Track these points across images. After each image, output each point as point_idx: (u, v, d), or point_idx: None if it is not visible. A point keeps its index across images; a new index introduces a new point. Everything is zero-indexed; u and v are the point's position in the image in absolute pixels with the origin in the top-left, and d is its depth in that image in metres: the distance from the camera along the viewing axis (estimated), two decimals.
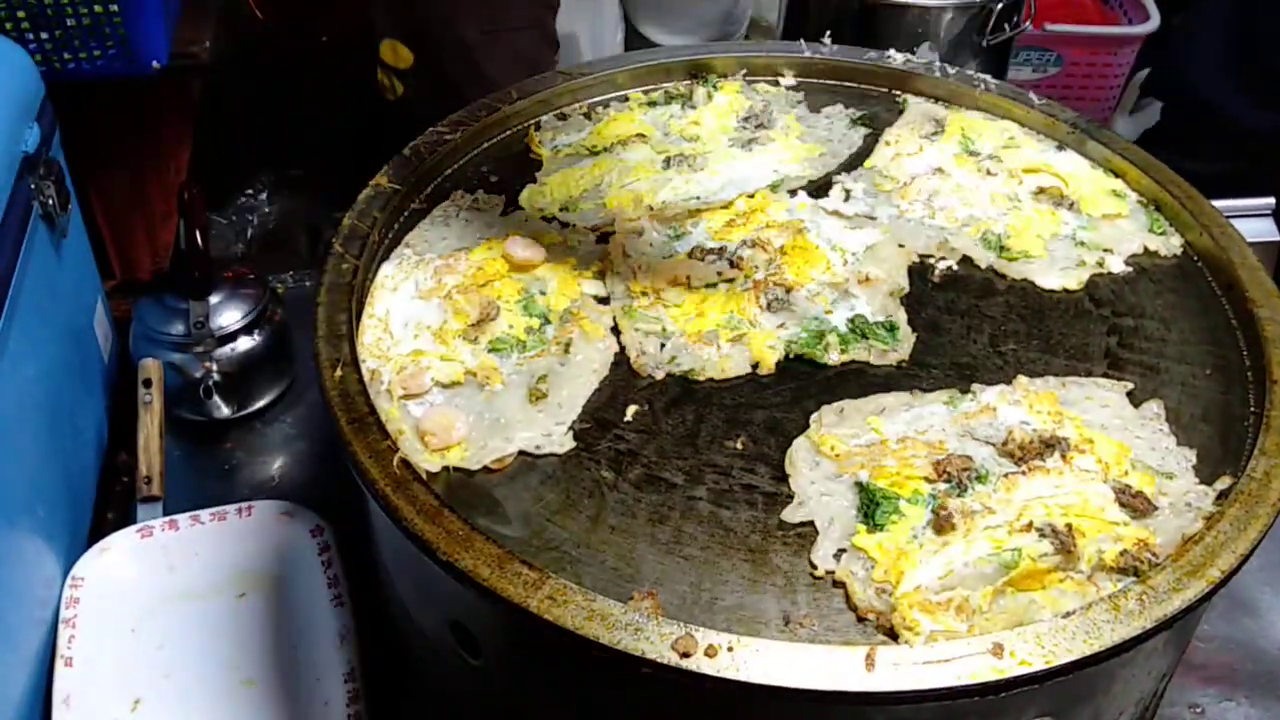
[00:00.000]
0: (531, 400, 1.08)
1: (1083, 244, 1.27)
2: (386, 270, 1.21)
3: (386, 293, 1.18)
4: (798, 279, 1.21)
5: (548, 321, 1.16)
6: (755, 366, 1.13)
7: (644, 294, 1.20)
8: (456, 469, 1.02)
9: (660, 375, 1.12)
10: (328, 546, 1.32)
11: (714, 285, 1.21)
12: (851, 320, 1.17)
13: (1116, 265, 1.26)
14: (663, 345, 1.15)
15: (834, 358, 1.13)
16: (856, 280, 1.21)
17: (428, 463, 1.01)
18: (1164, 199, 1.32)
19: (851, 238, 1.27)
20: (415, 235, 1.27)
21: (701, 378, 1.12)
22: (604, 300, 1.20)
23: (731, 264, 1.23)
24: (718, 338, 1.15)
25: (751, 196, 1.32)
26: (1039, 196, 1.33)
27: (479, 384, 1.10)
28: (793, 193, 1.34)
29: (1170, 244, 1.28)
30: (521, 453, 1.05)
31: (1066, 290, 1.23)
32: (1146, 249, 1.28)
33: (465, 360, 1.11)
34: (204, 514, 1.36)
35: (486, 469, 1.03)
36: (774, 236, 1.25)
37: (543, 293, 1.19)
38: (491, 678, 1.02)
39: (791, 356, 1.14)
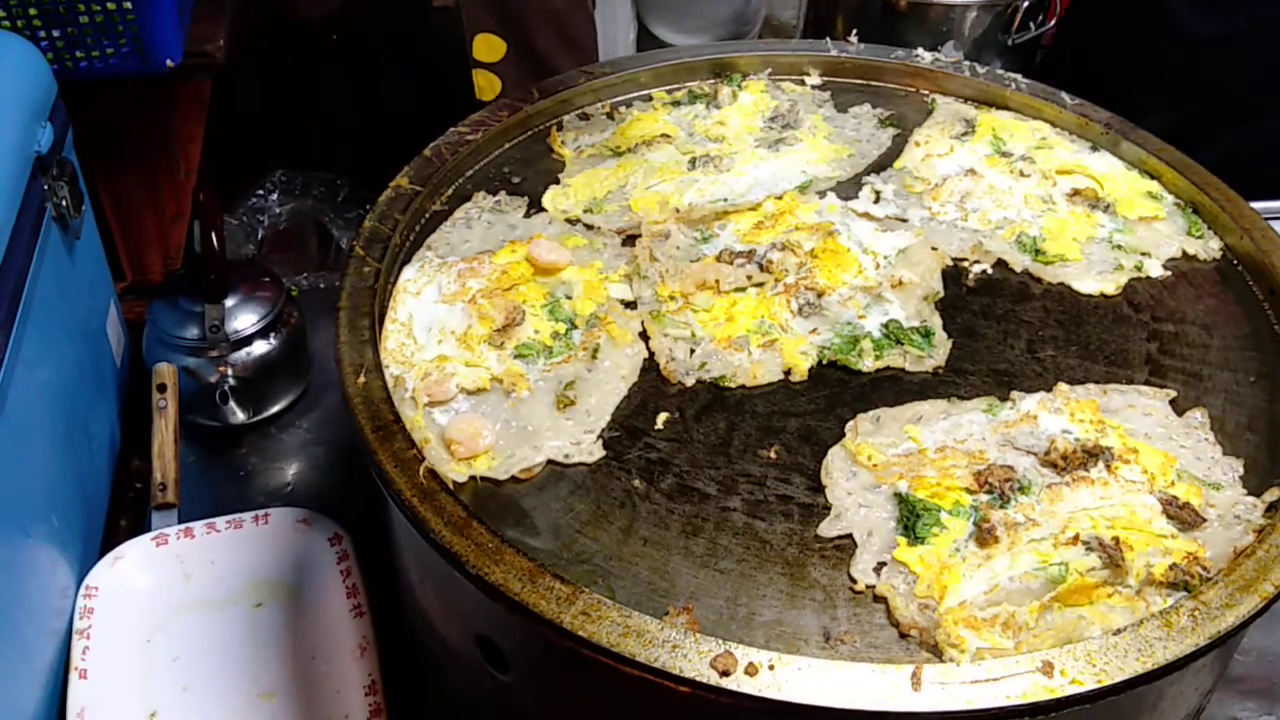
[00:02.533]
0: (559, 407, 1.06)
1: (1120, 247, 1.25)
2: (408, 274, 1.18)
3: (409, 297, 1.15)
4: (829, 283, 1.18)
5: (574, 326, 1.13)
6: (788, 373, 1.10)
7: (672, 298, 1.17)
8: (484, 479, 1.00)
9: (690, 382, 1.09)
10: (346, 555, 1.30)
11: (743, 289, 1.18)
12: (885, 325, 1.14)
13: (1155, 269, 1.23)
14: (692, 351, 1.12)
15: (868, 364, 1.11)
16: (889, 284, 1.18)
17: (454, 472, 0.99)
18: (1202, 201, 1.29)
19: (883, 240, 1.24)
20: (437, 237, 1.24)
21: (733, 384, 1.09)
22: (631, 305, 1.17)
23: (761, 267, 1.20)
24: (749, 343, 1.12)
25: (780, 198, 1.29)
26: (1074, 198, 1.30)
27: (505, 390, 1.07)
28: (821, 194, 1.31)
29: (1209, 247, 1.26)
30: (550, 462, 1.02)
31: (1104, 295, 1.20)
32: (1185, 253, 1.25)
33: (491, 366, 1.08)
34: (220, 521, 1.33)
35: (514, 479, 1.00)
36: (804, 239, 1.23)
37: (568, 297, 1.17)
38: (519, 694, 0.99)
39: (825, 363, 1.11)
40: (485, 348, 1.10)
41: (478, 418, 1.04)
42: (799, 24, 2.04)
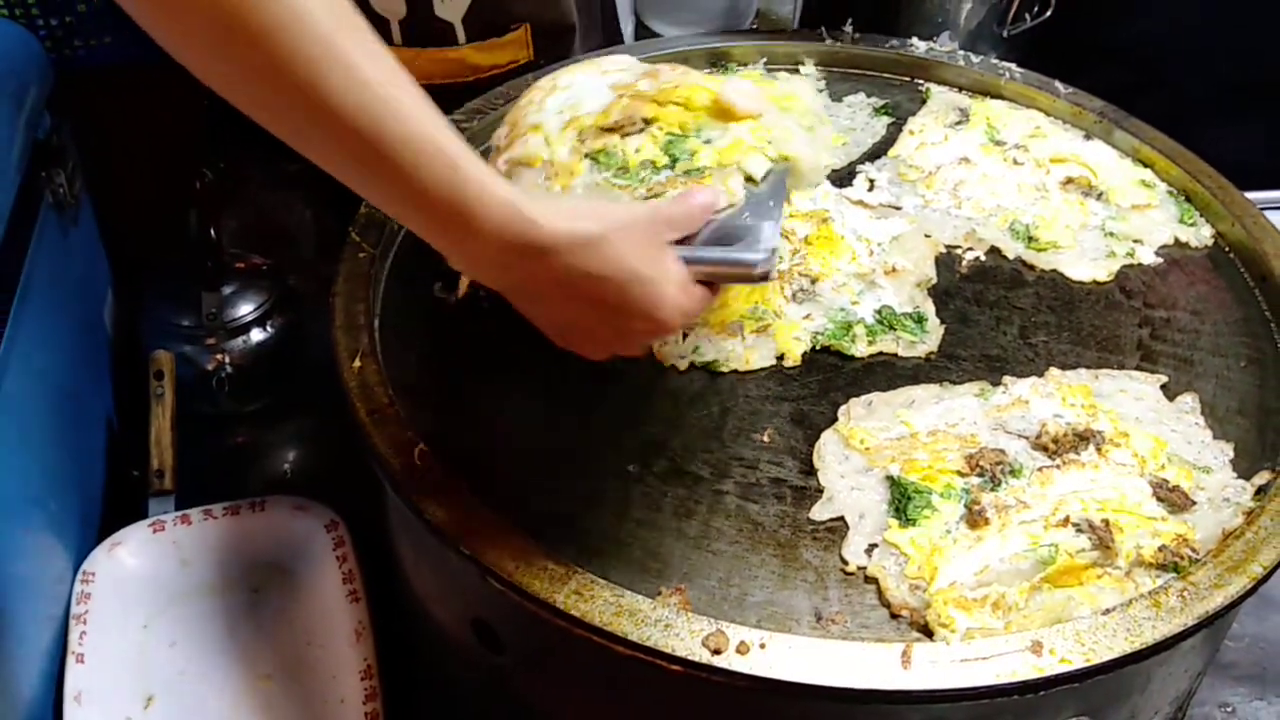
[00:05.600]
0: None
1: (1112, 234, 1.25)
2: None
3: (589, 69, 1.10)
4: (823, 270, 1.18)
5: (671, 168, 1.01)
6: (780, 358, 1.11)
7: None
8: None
9: (683, 365, 1.10)
10: (342, 541, 1.30)
11: None
12: (879, 311, 1.15)
13: (1147, 256, 1.23)
14: (685, 335, 1.12)
15: (861, 350, 1.11)
16: (883, 271, 1.19)
17: None
18: (1194, 189, 1.30)
19: (877, 228, 1.25)
20: None
21: (725, 369, 1.09)
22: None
23: None
24: (742, 329, 1.13)
25: None
26: (1067, 186, 1.31)
27: (547, 175, 1.01)
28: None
29: (1201, 235, 1.26)
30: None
31: (1096, 282, 1.20)
32: (1177, 240, 1.26)
33: (559, 152, 1.01)
34: (216, 508, 1.34)
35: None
36: (798, 226, 1.23)
37: (707, 142, 1.02)
38: (514, 674, 1.00)
39: (818, 348, 1.12)
40: (575, 134, 1.04)
41: None
42: (794, 20, 2.03)
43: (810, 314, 1.15)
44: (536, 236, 0.81)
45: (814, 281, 1.17)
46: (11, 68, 1.29)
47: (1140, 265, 1.23)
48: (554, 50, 1.51)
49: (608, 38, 1.72)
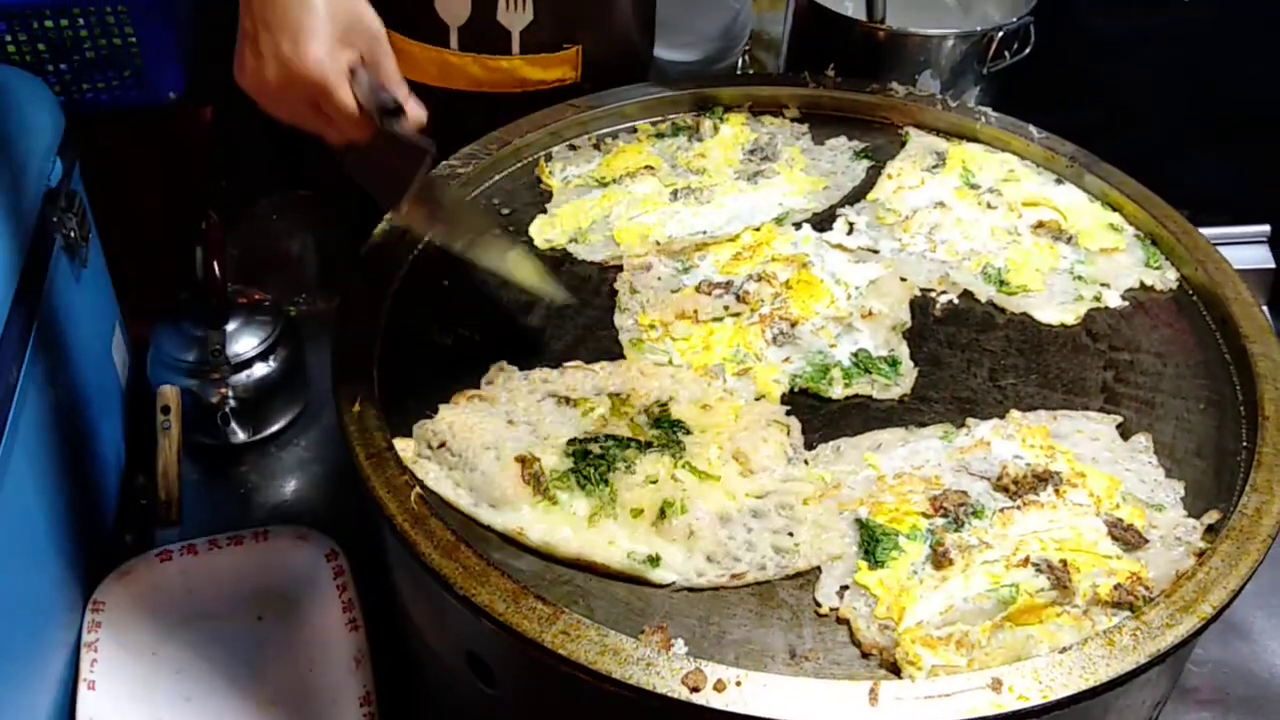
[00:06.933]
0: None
1: (1080, 278, 1.31)
2: None
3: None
4: (802, 313, 1.24)
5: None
6: (759, 399, 1.16)
7: (652, 327, 1.23)
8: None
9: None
10: (342, 570, 1.35)
11: (720, 319, 1.24)
12: (855, 354, 1.20)
13: (1113, 300, 1.29)
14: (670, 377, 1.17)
15: (838, 392, 1.17)
16: (860, 315, 1.24)
17: None
18: (1160, 233, 1.35)
19: (855, 271, 1.30)
20: None
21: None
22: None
23: (738, 298, 1.26)
24: (724, 371, 1.18)
25: (757, 229, 1.35)
26: (1038, 230, 1.36)
27: None
28: (797, 225, 1.37)
29: (1166, 278, 1.31)
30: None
31: (1064, 325, 1.26)
32: (1143, 283, 1.31)
33: None
34: (221, 538, 1.39)
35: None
36: (779, 270, 1.29)
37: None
38: (506, 706, 1.05)
39: (796, 390, 1.17)
40: None
41: None
42: (783, 44, 2.09)
43: (789, 356, 1.20)
44: None
45: (794, 325, 1.23)
46: (22, 117, 1.34)
47: (1107, 309, 1.28)
48: (600, 76, 1.58)
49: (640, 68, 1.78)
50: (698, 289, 1.27)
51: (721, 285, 1.27)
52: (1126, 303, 1.29)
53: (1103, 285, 1.30)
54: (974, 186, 1.42)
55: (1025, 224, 1.37)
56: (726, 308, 1.25)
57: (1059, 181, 1.44)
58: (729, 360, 1.19)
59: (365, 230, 1.31)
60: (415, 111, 1.07)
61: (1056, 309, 1.27)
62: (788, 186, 1.43)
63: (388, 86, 1.05)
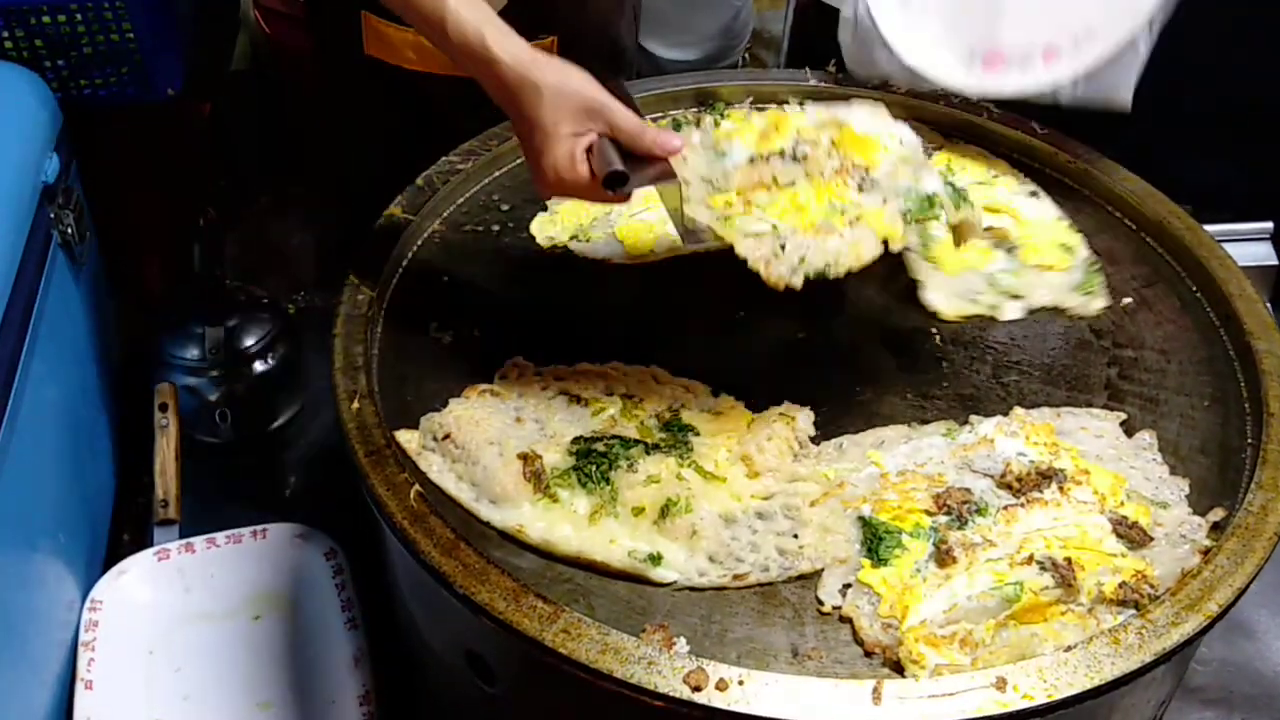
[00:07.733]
0: None
1: (993, 285, 1.28)
2: None
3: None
4: (869, 161, 1.15)
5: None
6: (886, 243, 1.09)
7: (729, 204, 1.12)
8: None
9: (798, 281, 1.06)
10: (341, 569, 1.35)
11: (792, 183, 1.14)
12: (950, 184, 1.15)
13: (1012, 313, 1.26)
14: (783, 246, 1.08)
15: (948, 218, 1.13)
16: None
17: None
18: (1164, 228, 1.34)
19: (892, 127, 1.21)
20: None
21: (839, 271, 1.07)
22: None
23: (796, 160, 1.16)
24: (834, 227, 1.10)
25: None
26: (984, 233, 1.28)
27: None
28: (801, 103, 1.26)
29: (1090, 305, 1.27)
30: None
31: (938, 314, 1.25)
32: (1056, 306, 1.27)
33: None
34: (219, 537, 1.39)
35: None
36: (819, 135, 1.19)
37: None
38: (506, 705, 1.04)
39: (911, 222, 1.11)
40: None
41: None
42: (784, 40, 2.08)
43: (885, 198, 1.12)
44: (499, 73, 1.07)
45: (867, 170, 1.14)
46: (20, 114, 1.33)
47: (1006, 321, 1.26)
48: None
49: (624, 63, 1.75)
50: (752, 162, 1.17)
51: (777, 153, 1.17)
52: (1021, 316, 1.26)
53: (1013, 297, 1.27)
54: (947, 184, 1.39)
55: None
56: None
57: (1033, 194, 1.42)
58: (833, 215, 1.11)
59: (364, 227, 1.30)
60: (662, 143, 1.10)
61: (943, 296, 1.26)
62: None
63: (628, 145, 1.07)
